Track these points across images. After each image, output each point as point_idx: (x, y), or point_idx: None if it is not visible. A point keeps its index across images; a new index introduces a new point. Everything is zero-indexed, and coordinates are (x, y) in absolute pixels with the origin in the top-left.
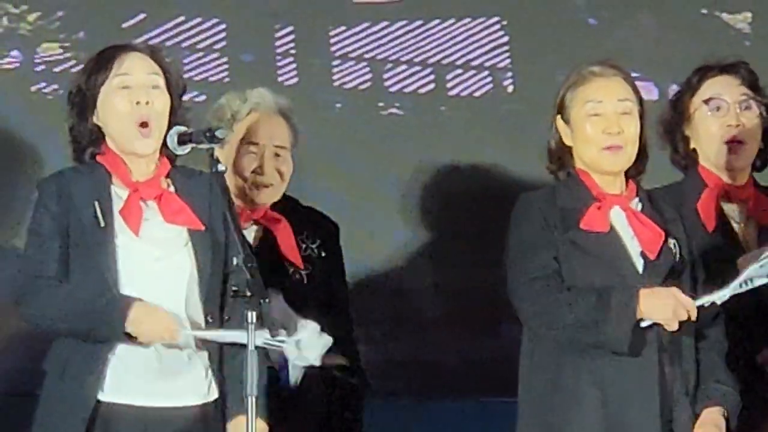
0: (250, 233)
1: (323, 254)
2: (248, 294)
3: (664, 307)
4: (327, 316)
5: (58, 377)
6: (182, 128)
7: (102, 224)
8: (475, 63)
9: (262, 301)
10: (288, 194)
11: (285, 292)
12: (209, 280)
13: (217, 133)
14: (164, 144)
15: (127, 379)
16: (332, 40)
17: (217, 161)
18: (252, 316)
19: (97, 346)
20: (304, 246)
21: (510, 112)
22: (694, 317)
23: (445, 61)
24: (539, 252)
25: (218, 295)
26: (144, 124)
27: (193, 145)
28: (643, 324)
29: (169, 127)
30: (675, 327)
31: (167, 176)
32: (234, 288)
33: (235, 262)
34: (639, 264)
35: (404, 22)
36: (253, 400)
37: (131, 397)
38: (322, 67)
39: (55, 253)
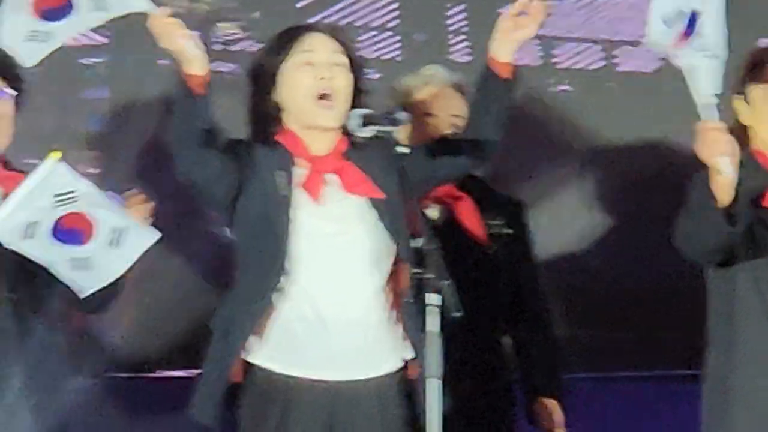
0: (434, 211)
1: (509, 232)
2: (430, 276)
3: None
4: (516, 294)
5: (221, 337)
6: (365, 110)
7: (283, 191)
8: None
9: (443, 283)
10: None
11: (470, 270)
12: (385, 254)
13: (398, 116)
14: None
15: (299, 351)
16: None
17: (398, 143)
18: (434, 298)
19: (259, 308)
20: (489, 224)
21: (678, 89)
22: None
23: (614, 38)
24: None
25: (389, 271)
26: (325, 96)
27: (376, 127)
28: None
29: (352, 108)
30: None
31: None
32: (415, 270)
33: (416, 244)
34: None
35: (574, 0)
36: (436, 383)
37: (305, 369)
38: None
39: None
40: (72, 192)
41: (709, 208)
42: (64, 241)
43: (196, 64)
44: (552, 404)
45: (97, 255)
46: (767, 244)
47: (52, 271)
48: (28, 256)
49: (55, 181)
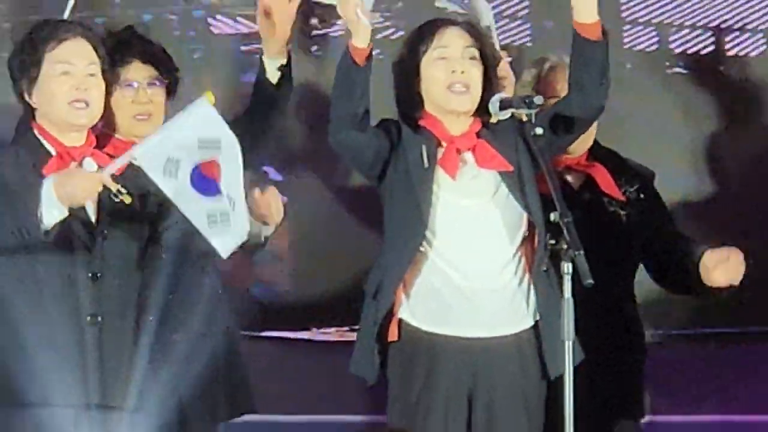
0: (568, 180)
1: (641, 196)
2: (564, 247)
3: None
4: (652, 251)
5: (372, 298)
6: (503, 95)
7: (426, 165)
8: (750, 26)
9: (576, 253)
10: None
11: (605, 229)
12: (517, 224)
13: (535, 100)
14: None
15: (443, 311)
16: (623, 7)
17: (534, 125)
18: (568, 267)
19: (403, 271)
20: (622, 190)
21: None
22: None
23: (723, 25)
24: None
25: (523, 239)
26: (455, 85)
27: (513, 110)
28: None
29: (485, 93)
30: None
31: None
32: (550, 242)
33: (552, 218)
34: None
35: None
36: (570, 345)
37: (450, 327)
38: (614, 31)
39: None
40: (217, 140)
41: None
42: (200, 190)
43: (362, 37)
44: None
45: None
46: None
47: (194, 224)
48: (169, 196)
49: (203, 124)
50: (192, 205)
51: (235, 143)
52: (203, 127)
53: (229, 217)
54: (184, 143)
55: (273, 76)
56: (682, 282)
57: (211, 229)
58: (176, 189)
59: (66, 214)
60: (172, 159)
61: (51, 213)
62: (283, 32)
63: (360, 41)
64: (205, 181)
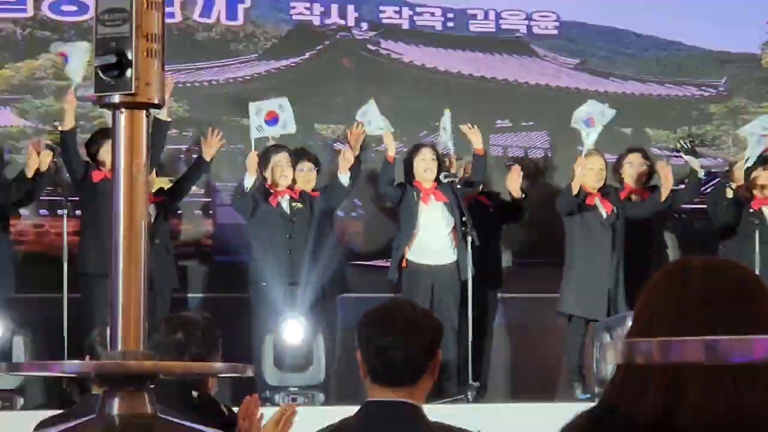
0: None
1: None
2: (469, 230)
3: None
4: None
5: (396, 249)
6: (445, 173)
7: (416, 199)
8: None
9: (472, 232)
10: None
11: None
12: (450, 222)
13: (449, 176)
14: None
15: (422, 255)
16: None
17: (451, 181)
18: (468, 238)
19: (407, 239)
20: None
21: None
22: None
23: None
24: None
25: (452, 227)
26: (427, 172)
27: (448, 179)
28: None
29: (438, 173)
30: None
31: None
32: (463, 228)
33: (464, 219)
34: None
35: None
36: (468, 265)
37: (425, 260)
38: None
39: None
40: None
41: None
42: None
43: (392, 150)
44: None
45: None
46: None
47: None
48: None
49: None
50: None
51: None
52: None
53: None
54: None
55: None
56: None
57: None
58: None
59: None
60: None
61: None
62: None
63: (391, 152)
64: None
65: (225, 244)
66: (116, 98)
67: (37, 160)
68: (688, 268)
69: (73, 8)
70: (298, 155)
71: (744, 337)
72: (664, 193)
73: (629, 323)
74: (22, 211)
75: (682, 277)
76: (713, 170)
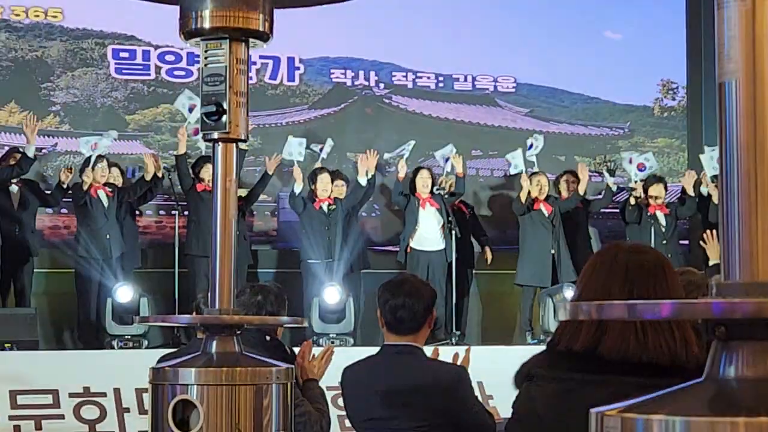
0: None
1: None
2: (452, 225)
3: None
4: None
5: (403, 240)
6: (436, 187)
7: (416, 205)
8: None
9: (455, 229)
10: None
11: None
12: (440, 219)
13: (441, 190)
14: None
15: (421, 242)
16: None
17: (442, 192)
18: (454, 233)
19: (410, 232)
20: None
21: None
22: None
23: None
24: None
25: (442, 224)
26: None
27: (438, 191)
28: None
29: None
30: None
31: None
32: (448, 224)
33: (450, 219)
34: None
35: None
36: (453, 250)
37: (423, 247)
38: None
39: None
40: None
41: None
42: None
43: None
44: None
45: None
46: None
47: None
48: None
49: None
50: None
51: None
52: None
53: None
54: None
55: None
56: None
57: None
58: None
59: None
60: None
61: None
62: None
63: (401, 174)
64: None
65: (284, 234)
66: (215, 135)
67: (153, 167)
68: (618, 247)
69: (182, 73)
70: (334, 175)
71: (655, 301)
72: (582, 187)
73: (564, 291)
74: (147, 211)
75: (613, 253)
76: (621, 185)
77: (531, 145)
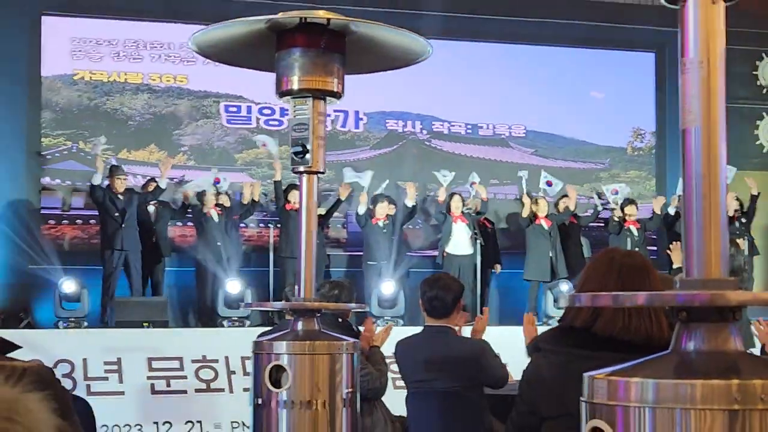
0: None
1: None
2: (479, 238)
3: None
4: None
5: (439, 247)
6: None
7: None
8: None
9: (480, 239)
10: None
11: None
12: (469, 232)
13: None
14: None
15: (455, 248)
16: None
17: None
18: (478, 242)
19: (445, 244)
20: None
21: None
22: None
23: None
24: None
25: (471, 235)
26: None
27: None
28: None
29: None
30: None
31: None
32: (474, 235)
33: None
34: None
35: None
36: (478, 253)
37: (457, 251)
38: None
39: None
40: None
41: None
42: None
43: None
44: None
45: None
46: None
47: None
48: None
49: None
50: None
51: None
52: None
53: None
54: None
55: None
56: None
57: None
58: None
59: None
60: None
61: None
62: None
63: (441, 198)
64: None
65: (352, 242)
66: (302, 168)
67: (249, 194)
68: (614, 252)
69: (276, 122)
70: (388, 199)
71: (633, 292)
72: (572, 205)
73: (561, 285)
74: (250, 224)
75: (610, 256)
76: (605, 207)
77: (550, 184)
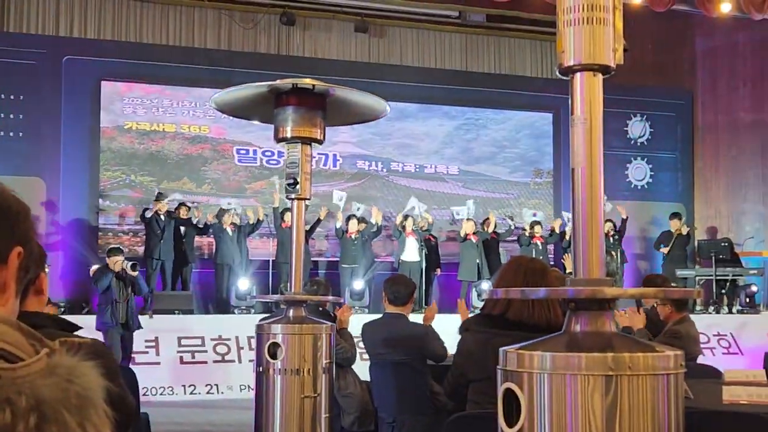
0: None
1: None
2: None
3: None
4: None
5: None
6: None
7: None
8: None
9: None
10: None
11: None
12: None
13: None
14: None
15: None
16: None
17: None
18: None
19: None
20: None
21: None
22: None
23: None
24: None
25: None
26: None
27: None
28: None
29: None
30: None
31: None
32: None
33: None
34: None
35: None
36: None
37: (409, 258)
38: None
39: None
40: None
41: None
42: None
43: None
44: None
45: None
46: None
47: None
48: None
49: None
50: None
51: None
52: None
53: None
54: None
55: None
56: None
57: None
58: None
59: None
60: None
61: None
62: None
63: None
64: None
65: (330, 251)
66: (293, 195)
67: (254, 216)
68: (521, 259)
69: (275, 162)
70: (358, 219)
71: (536, 288)
72: (491, 227)
73: (483, 284)
74: (255, 238)
75: (518, 262)
76: (517, 226)
77: (468, 208)
